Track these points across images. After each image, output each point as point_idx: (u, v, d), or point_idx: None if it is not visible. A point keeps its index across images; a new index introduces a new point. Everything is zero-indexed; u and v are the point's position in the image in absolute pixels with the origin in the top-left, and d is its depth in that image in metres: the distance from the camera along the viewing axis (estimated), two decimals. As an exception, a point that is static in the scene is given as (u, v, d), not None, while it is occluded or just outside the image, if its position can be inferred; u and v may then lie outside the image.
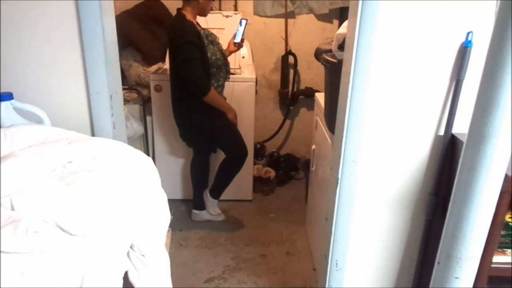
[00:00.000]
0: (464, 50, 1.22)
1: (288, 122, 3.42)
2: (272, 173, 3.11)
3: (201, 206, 2.62)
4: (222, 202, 2.72)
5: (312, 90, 3.21)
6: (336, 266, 1.49)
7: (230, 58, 2.45)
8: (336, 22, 3.15)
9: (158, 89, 2.58)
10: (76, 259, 0.84)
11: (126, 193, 1.03)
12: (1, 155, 0.98)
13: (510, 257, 1.23)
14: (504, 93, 0.62)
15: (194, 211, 2.64)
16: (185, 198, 2.83)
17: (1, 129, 1.11)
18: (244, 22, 2.36)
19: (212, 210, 2.62)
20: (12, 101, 1.23)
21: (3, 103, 1.21)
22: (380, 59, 1.24)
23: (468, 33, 1.21)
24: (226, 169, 2.50)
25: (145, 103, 2.67)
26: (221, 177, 2.53)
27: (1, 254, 0.73)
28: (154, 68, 2.83)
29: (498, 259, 1.20)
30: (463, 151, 0.71)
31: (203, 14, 2.26)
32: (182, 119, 2.37)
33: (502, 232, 1.19)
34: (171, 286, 1.26)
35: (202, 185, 2.62)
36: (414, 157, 1.36)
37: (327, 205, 1.51)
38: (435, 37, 1.22)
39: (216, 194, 2.59)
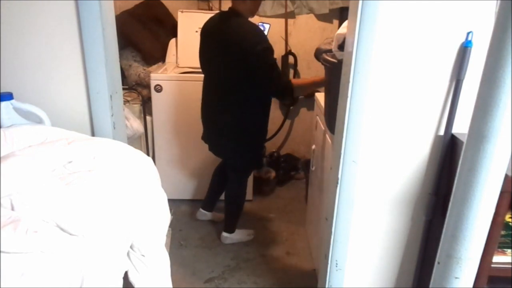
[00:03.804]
0: (464, 50, 1.22)
1: (288, 122, 3.42)
2: (272, 173, 3.11)
3: (210, 208, 2.60)
4: (221, 202, 2.72)
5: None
6: (336, 266, 1.49)
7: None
8: (336, 22, 3.15)
9: (158, 89, 2.58)
10: (76, 259, 0.84)
11: (126, 193, 1.03)
12: (1, 155, 0.98)
13: (510, 257, 1.23)
14: (504, 93, 0.62)
15: (202, 210, 2.61)
16: (185, 198, 2.83)
17: (1, 129, 1.11)
18: (267, 26, 2.27)
19: (241, 236, 2.46)
20: (12, 101, 1.23)
21: (3, 103, 1.21)
22: (380, 59, 1.24)
23: (468, 33, 1.21)
24: (227, 198, 2.39)
25: (145, 103, 2.67)
26: (226, 209, 2.41)
27: (1, 254, 0.73)
28: (154, 68, 2.82)
29: (498, 259, 1.20)
30: (463, 151, 0.71)
31: (252, 15, 2.04)
32: (242, 128, 2.10)
33: (502, 232, 1.19)
34: (171, 286, 1.26)
35: (217, 190, 2.57)
36: (414, 157, 1.36)
37: (327, 205, 1.51)
38: (435, 37, 1.22)
39: (228, 228, 2.43)
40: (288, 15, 3.10)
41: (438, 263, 0.79)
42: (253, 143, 2.21)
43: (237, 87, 2.00)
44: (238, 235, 2.43)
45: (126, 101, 2.54)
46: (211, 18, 2.08)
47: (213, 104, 2.14)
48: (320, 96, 2.15)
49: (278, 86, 1.98)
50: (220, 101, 2.09)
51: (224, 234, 2.41)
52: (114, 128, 1.42)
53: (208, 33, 2.06)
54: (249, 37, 1.90)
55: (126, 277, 1.07)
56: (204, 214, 2.61)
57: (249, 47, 1.88)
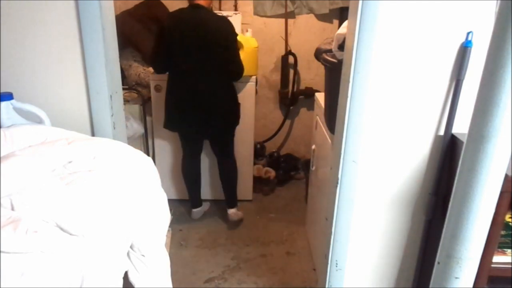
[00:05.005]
0: (464, 50, 1.22)
1: (288, 122, 3.42)
2: (272, 173, 3.11)
3: (200, 203, 2.70)
4: (221, 202, 2.72)
5: (312, 90, 3.21)
6: (336, 266, 1.49)
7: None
8: (336, 22, 3.15)
9: (158, 89, 2.58)
10: (76, 259, 0.84)
11: (126, 193, 1.03)
12: (1, 155, 0.98)
13: (510, 257, 1.23)
14: (504, 93, 0.62)
15: (194, 210, 2.67)
16: (184, 198, 2.83)
17: (1, 129, 1.11)
18: None
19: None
20: (12, 101, 1.23)
21: (3, 103, 1.21)
22: (380, 59, 1.24)
23: (468, 33, 1.21)
24: (231, 172, 2.59)
25: (145, 103, 2.67)
26: (231, 184, 2.62)
27: (1, 254, 0.73)
28: (154, 68, 2.82)
29: (498, 259, 1.20)
30: (463, 151, 0.71)
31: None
32: (225, 107, 2.39)
33: (502, 232, 1.19)
34: (171, 286, 1.26)
35: (199, 183, 2.68)
36: (414, 157, 1.36)
37: (327, 205, 1.51)
38: (435, 37, 1.22)
39: (235, 201, 2.66)
40: (288, 15, 3.10)
41: (438, 263, 0.79)
42: (237, 112, 2.48)
43: (223, 68, 2.28)
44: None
45: (126, 101, 2.54)
46: (180, 14, 2.25)
47: (201, 89, 2.28)
48: (320, 96, 2.15)
49: (242, 67, 2.34)
50: (209, 84, 2.29)
51: (232, 210, 2.59)
52: (114, 128, 1.42)
53: (186, 26, 2.22)
54: (229, 26, 2.25)
55: (126, 277, 1.07)
56: (198, 212, 2.68)
57: (230, 34, 2.25)
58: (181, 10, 2.26)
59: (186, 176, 2.61)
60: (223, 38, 2.22)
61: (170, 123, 2.42)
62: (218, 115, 2.36)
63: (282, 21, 3.12)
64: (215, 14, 2.35)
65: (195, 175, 2.63)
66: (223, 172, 2.59)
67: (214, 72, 2.27)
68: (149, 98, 2.66)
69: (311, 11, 3.07)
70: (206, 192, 2.77)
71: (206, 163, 2.70)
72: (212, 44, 2.20)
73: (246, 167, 2.78)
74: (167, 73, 2.36)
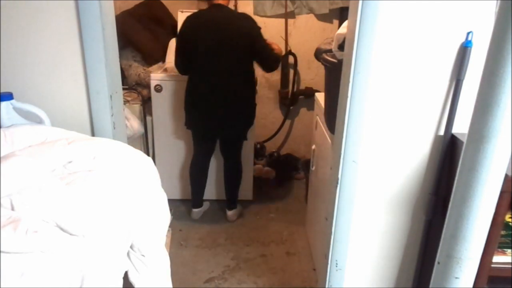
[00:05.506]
0: (464, 50, 1.22)
1: (288, 122, 3.42)
2: (272, 173, 3.11)
3: (201, 203, 2.69)
4: (222, 202, 2.72)
5: (312, 90, 3.21)
6: (336, 266, 1.49)
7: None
8: (336, 22, 3.15)
9: (158, 89, 2.58)
10: (76, 259, 0.84)
11: (126, 193, 1.03)
12: (1, 155, 0.98)
13: (510, 257, 1.23)
14: (504, 93, 0.62)
15: (195, 210, 2.66)
16: (184, 198, 2.83)
17: (1, 129, 1.11)
18: None
19: (239, 207, 2.74)
20: (12, 101, 1.23)
21: (3, 103, 1.21)
22: (380, 59, 1.24)
23: (468, 33, 1.21)
24: (236, 174, 2.61)
25: (145, 103, 2.67)
26: (235, 185, 2.63)
27: (1, 254, 0.73)
28: (154, 68, 2.82)
29: (498, 259, 1.21)
30: (463, 151, 0.71)
31: None
32: (243, 107, 2.39)
33: (502, 232, 1.19)
34: (171, 286, 1.26)
35: (204, 184, 2.68)
36: (414, 157, 1.36)
37: (327, 205, 1.51)
38: (435, 37, 1.22)
39: (235, 203, 2.68)
40: (288, 15, 3.10)
41: (438, 263, 0.79)
42: (253, 113, 2.47)
43: (245, 66, 2.29)
44: (238, 208, 2.67)
45: (126, 101, 2.54)
46: (196, 16, 2.26)
47: (220, 89, 2.28)
48: (320, 96, 2.15)
49: (275, 58, 2.34)
50: (228, 84, 2.28)
51: (231, 212, 2.61)
52: (114, 128, 1.42)
53: (203, 27, 2.23)
54: (250, 21, 2.23)
55: (126, 277, 1.07)
56: (198, 212, 2.68)
57: (253, 29, 2.21)
58: (199, 12, 2.28)
59: (193, 176, 2.60)
60: (246, 35, 2.18)
61: (188, 122, 2.44)
62: (235, 115, 2.36)
63: (282, 21, 3.12)
64: (234, 11, 2.34)
65: (202, 175, 2.63)
66: (228, 174, 2.59)
67: (234, 72, 2.26)
68: (149, 98, 2.66)
69: (311, 11, 3.07)
70: (207, 191, 2.77)
71: (210, 162, 2.69)
72: (233, 43, 2.19)
73: (246, 167, 2.78)
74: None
